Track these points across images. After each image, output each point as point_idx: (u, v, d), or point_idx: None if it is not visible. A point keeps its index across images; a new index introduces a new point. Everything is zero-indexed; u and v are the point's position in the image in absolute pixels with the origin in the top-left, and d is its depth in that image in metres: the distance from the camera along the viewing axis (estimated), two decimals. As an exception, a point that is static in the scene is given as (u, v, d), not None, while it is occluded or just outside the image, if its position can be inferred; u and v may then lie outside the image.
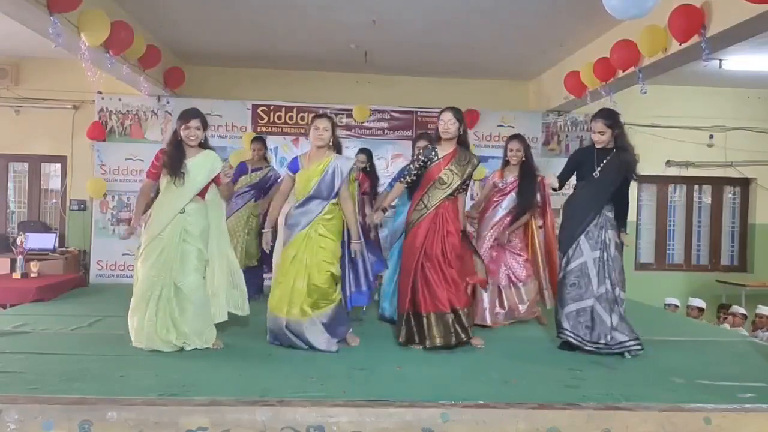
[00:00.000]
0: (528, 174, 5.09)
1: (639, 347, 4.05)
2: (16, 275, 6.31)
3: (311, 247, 4.07)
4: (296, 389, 3.14)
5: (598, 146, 4.19)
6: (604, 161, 4.14)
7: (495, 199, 5.20)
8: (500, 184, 5.20)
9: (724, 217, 8.87)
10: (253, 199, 6.06)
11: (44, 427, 2.70)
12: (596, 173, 4.14)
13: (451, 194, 4.27)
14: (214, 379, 3.36)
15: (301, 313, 4.02)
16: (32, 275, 6.37)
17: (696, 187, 8.82)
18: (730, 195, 8.90)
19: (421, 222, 4.24)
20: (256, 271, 6.09)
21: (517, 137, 5.21)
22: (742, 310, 6.85)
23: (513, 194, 5.13)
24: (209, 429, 2.72)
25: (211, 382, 3.27)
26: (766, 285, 7.99)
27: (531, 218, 5.17)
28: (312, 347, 4.01)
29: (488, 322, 4.98)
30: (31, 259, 6.54)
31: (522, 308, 5.15)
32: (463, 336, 4.17)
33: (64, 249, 7.52)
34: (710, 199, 8.87)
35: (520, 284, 5.17)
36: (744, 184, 8.79)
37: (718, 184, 8.80)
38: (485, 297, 5.02)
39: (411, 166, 4.40)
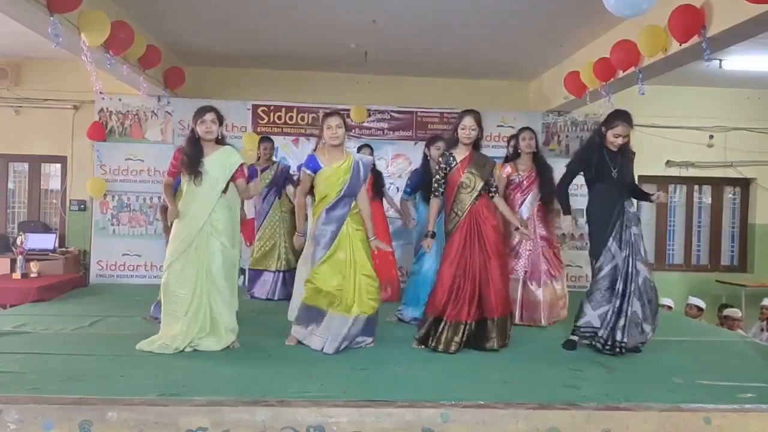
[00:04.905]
0: (543, 163, 5.28)
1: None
2: (16, 275, 6.32)
3: (355, 243, 4.12)
4: (296, 389, 3.14)
5: (613, 148, 4.22)
6: (617, 160, 4.22)
7: (516, 196, 5.22)
8: (517, 178, 5.23)
9: (724, 217, 8.87)
10: (276, 197, 6.16)
11: (44, 427, 2.71)
12: (614, 173, 4.20)
13: (478, 196, 4.25)
14: (214, 379, 3.36)
15: (369, 307, 4.09)
16: (32, 275, 6.37)
17: (696, 187, 8.81)
18: (730, 195, 8.90)
19: (456, 231, 4.23)
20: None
21: (527, 128, 5.39)
22: (737, 311, 6.83)
23: (536, 189, 5.19)
24: (209, 429, 2.73)
25: (211, 382, 3.27)
26: (766, 285, 7.99)
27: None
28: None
29: (543, 323, 5.08)
30: (31, 259, 6.54)
31: (561, 302, 5.18)
32: (502, 341, 4.21)
33: (64, 249, 7.51)
34: (710, 199, 8.86)
35: (559, 276, 5.23)
36: (744, 184, 8.79)
37: (718, 184, 8.79)
38: (540, 296, 5.09)
39: (436, 178, 4.35)
